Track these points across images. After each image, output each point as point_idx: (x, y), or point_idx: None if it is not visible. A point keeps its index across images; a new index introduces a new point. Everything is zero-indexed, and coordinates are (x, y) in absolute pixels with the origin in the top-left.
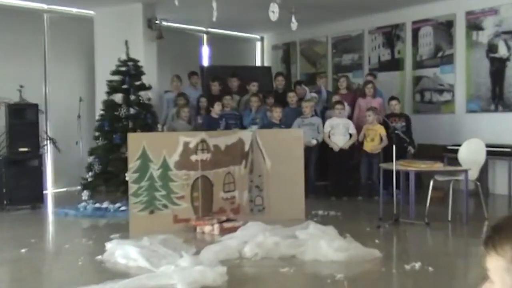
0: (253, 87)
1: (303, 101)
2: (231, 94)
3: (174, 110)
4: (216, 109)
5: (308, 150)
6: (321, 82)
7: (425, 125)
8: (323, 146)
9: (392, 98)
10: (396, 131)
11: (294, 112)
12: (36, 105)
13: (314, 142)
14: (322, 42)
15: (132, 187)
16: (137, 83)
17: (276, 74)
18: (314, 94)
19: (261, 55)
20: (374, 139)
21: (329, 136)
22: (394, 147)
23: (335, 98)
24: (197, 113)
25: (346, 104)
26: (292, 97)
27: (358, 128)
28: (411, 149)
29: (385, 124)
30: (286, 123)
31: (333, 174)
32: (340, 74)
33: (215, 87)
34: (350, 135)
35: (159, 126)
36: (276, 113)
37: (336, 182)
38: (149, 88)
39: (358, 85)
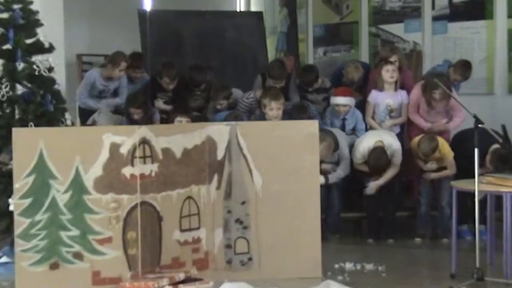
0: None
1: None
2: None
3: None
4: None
5: None
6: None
7: None
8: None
9: None
10: (480, 124)
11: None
12: None
13: (322, 180)
14: None
15: (21, 223)
16: (29, 41)
17: (274, 65)
18: (344, 100)
19: None
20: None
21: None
22: (476, 151)
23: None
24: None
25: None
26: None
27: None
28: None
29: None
30: None
31: (371, 199)
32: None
33: (167, 85)
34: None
35: (68, 116)
36: (269, 113)
37: (376, 214)
38: (50, 50)
39: (415, 46)
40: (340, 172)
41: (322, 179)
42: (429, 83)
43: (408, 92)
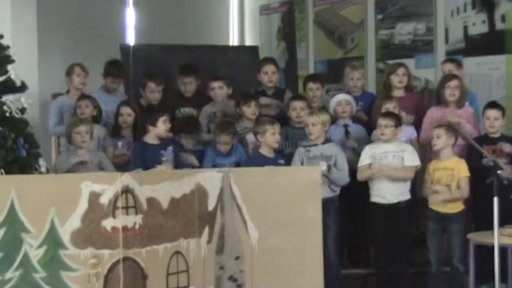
0: (212, 91)
1: (308, 113)
2: (188, 102)
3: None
4: (161, 129)
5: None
6: (354, 78)
7: None
8: (356, 200)
9: (492, 106)
10: (499, 171)
11: (303, 135)
12: None
13: (323, 166)
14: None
15: None
16: None
17: (263, 61)
18: (347, 97)
19: (239, 25)
20: (451, 185)
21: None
22: (495, 200)
23: (384, 105)
24: (113, 134)
25: (404, 115)
26: (299, 110)
27: (427, 162)
28: None
29: (472, 156)
30: (287, 155)
31: (379, 253)
32: (392, 61)
33: (152, 93)
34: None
35: (42, 162)
36: (271, 138)
37: (385, 269)
38: (22, 88)
39: (427, 83)
40: (341, 174)
41: (324, 166)
42: (443, 78)
43: (422, 114)
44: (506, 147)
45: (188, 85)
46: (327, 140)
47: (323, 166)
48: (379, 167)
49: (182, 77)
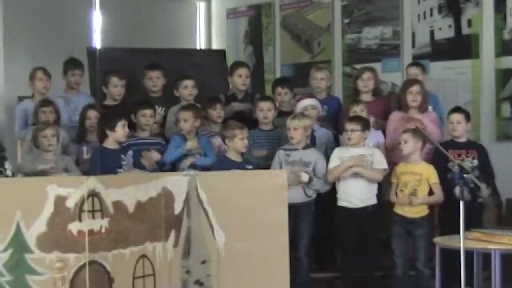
0: (185, 89)
1: (289, 118)
2: (151, 105)
3: (30, 135)
4: (120, 134)
5: (294, 211)
6: (318, 78)
7: None
8: (323, 204)
9: (455, 110)
10: (465, 175)
11: (270, 138)
12: None
13: (305, 178)
14: (323, 3)
15: None
16: None
17: (234, 64)
18: (313, 101)
19: (206, 29)
20: (417, 191)
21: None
22: (461, 205)
23: (351, 109)
24: (79, 139)
25: (372, 119)
26: (266, 111)
27: (391, 166)
28: (486, 194)
29: (438, 160)
30: (254, 159)
31: (345, 257)
32: (359, 65)
33: (115, 88)
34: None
35: (8, 165)
36: (239, 142)
37: (351, 273)
38: None
39: (393, 88)
40: (319, 183)
41: (306, 177)
42: (405, 83)
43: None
44: (470, 157)
45: (156, 79)
46: (308, 146)
47: (305, 178)
48: (350, 162)
49: (148, 72)
